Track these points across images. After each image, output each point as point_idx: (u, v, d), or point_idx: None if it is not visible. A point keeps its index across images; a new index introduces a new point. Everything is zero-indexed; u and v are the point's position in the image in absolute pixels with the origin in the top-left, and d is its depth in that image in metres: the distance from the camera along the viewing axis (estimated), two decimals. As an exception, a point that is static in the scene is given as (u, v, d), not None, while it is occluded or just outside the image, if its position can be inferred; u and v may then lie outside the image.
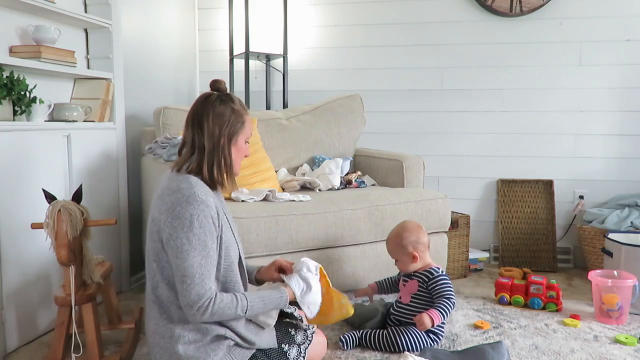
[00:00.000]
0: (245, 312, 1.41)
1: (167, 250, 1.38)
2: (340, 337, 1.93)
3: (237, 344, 1.46)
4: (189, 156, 1.45)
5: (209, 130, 1.43)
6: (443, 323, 1.96)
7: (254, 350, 1.50)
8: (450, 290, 1.94)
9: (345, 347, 1.92)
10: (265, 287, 1.72)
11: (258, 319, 1.51)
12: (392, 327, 1.96)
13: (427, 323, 1.83)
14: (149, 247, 1.45)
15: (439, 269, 2.00)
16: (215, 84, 1.52)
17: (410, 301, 2.01)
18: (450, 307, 1.90)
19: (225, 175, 1.48)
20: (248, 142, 1.55)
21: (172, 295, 1.42)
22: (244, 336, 1.47)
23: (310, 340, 1.61)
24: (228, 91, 1.54)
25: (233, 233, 1.51)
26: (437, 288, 1.95)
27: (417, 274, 2.03)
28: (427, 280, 1.98)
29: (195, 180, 1.41)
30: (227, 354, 1.44)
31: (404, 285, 2.07)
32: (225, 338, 1.44)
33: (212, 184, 1.47)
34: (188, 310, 1.35)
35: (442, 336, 1.98)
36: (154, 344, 1.46)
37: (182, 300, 1.36)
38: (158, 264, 1.43)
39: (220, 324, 1.43)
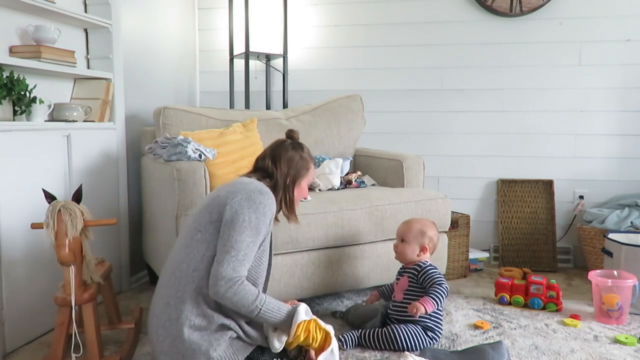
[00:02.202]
0: (260, 310, 1.45)
1: (223, 222, 1.49)
2: (339, 337, 1.93)
3: (239, 337, 1.50)
4: (262, 178, 1.69)
5: (281, 169, 1.70)
6: (440, 318, 1.98)
7: (254, 347, 1.53)
8: (441, 277, 1.97)
9: (345, 347, 1.92)
10: None
11: (270, 335, 1.54)
12: (390, 325, 1.97)
13: (421, 309, 1.86)
14: (195, 220, 1.54)
15: (427, 262, 2.03)
16: (290, 133, 1.81)
17: (403, 298, 2.02)
18: (443, 292, 1.92)
19: (286, 209, 1.74)
20: (308, 185, 1.83)
21: (202, 270, 1.47)
22: (247, 330, 1.50)
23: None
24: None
25: (271, 244, 1.68)
26: (427, 277, 1.98)
27: (407, 269, 2.06)
28: (417, 273, 2.01)
29: (266, 186, 1.63)
30: (229, 345, 1.47)
31: (397, 283, 2.10)
32: (229, 329, 1.48)
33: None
34: (217, 280, 1.42)
35: (440, 334, 1.98)
36: (159, 326, 1.48)
37: (217, 268, 1.43)
38: (202, 235, 1.51)
39: (227, 314, 1.47)
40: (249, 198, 1.52)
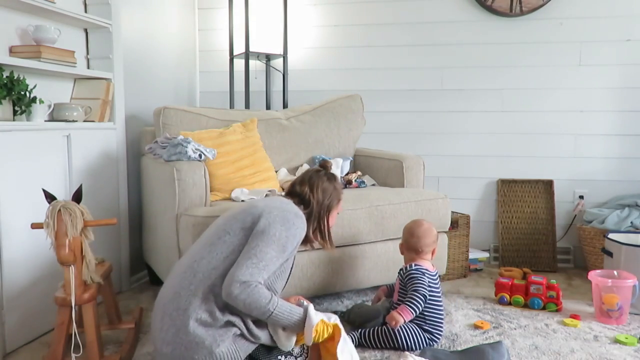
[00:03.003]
0: (272, 313, 1.47)
1: (253, 233, 1.54)
2: None
3: (242, 335, 1.50)
4: (298, 204, 1.76)
5: (317, 198, 1.78)
6: (440, 318, 1.98)
7: (256, 345, 1.54)
8: (419, 283, 1.95)
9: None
10: None
11: (280, 336, 1.54)
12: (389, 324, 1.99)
13: (398, 319, 1.89)
14: (226, 223, 1.59)
15: (415, 265, 2.02)
16: (324, 163, 1.91)
17: (398, 298, 2.04)
18: (419, 299, 1.92)
19: (324, 237, 1.83)
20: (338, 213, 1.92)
21: (221, 269, 1.50)
22: (251, 329, 1.51)
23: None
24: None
25: (292, 265, 1.71)
26: (407, 283, 1.99)
27: (400, 270, 2.07)
28: (402, 276, 2.03)
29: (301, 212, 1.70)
30: (232, 342, 1.48)
31: (395, 284, 2.12)
32: (234, 326, 1.48)
33: (308, 241, 1.82)
34: (231, 281, 1.44)
35: (439, 334, 1.98)
36: (165, 314, 1.49)
37: (234, 270, 1.46)
38: (230, 237, 1.55)
39: (234, 312, 1.48)
40: (285, 217, 1.58)
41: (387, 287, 2.26)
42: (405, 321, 1.90)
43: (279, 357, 1.58)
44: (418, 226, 2.10)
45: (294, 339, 1.55)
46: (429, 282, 1.98)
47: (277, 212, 1.59)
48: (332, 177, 1.86)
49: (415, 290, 1.94)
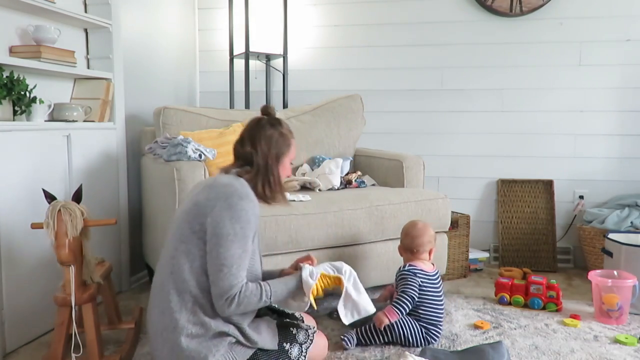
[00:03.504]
0: (270, 297, 1.46)
1: (208, 237, 1.44)
2: (342, 337, 1.95)
3: (238, 342, 1.48)
4: (240, 166, 1.59)
5: (261, 150, 1.58)
6: (440, 317, 2.00)
7: (254, 349, 1.51)
8: (407, 284, 1.98)
9: (348, 346, 1.94)
10: None
11: (292, 305, 1.56)
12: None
13: (383, 320, 1.92)
14: (178, 229, 1.49)
15: (409, 265, 2.04)
16: (266, 109, 1.68)
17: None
18: (405, 300, 1.95)
19: (274, 190, 1.62)
20: (292, 163, 1.72)
21: (192, 280, 1.44)
22: (247, 334, 1.48)
23: (312, 340, 1.62)
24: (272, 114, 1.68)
25: (258, 241, 1.62)
26: (399, 284, 2.02)
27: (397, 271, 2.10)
28: (396, 276, 2.07)
29: (246, 183, 1.54)
30: (228, 350, 1.45)
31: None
32: (228, 335, 1.46)
33: (262, 199, 1.60)
34: (217, 300, 1.41)
35: (435, 333, 1.99)
36: (156, 334, 1.47)
37: (215, 289, 1.41)
38: (186, 246, 1.46)
39: (225, 320, 1.46)
40: (229, 207, 1.44)
41: (393, 286, 2.26)
42: (390, 321, 1.93)
43: (284, 344, 1.57)
44: (412, 226, 2.12)
45: (307, 299, 1.57)
46: (422, 282, 1.99)
47: (220, 204, 1.44)
48: (275, 123, 1.64)
49: (403, 292, 1.97)
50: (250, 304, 1.44)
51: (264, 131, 1.60)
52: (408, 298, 1.95)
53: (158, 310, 1.47)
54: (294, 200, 2.27)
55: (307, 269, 1.59)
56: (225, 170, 1.61)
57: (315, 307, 1.60)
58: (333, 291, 1.70)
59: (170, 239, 1.51)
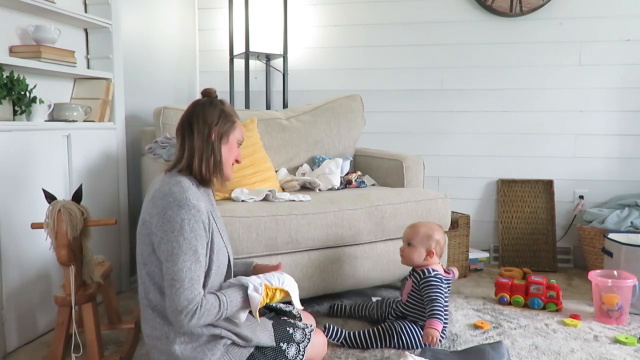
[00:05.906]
0: (226, 312, 1.39)
1: (158, 254, 1.38)
2: (326, 325, 1.98)
3: (234, 343, 1.47)
4: (180, 157, 1.47)
5: (199, 129, 1.46)
6: (444, 324, 1.96)
7: (252, 349, 1.50)
8: (438, 293, 1.93)
9: (328, 337, 1.93)
10: None
11: (241, 317, 1.47)
12: (387, 322, 2.00)
13: (435, 335, 1.83)
14: (139, 250, 1.44)
15: (433, 270, 1.98)
16: (206, 91, 1.54)
17: (407, 300, 2.04)
18: (442, 308, 1.89)
19: (215, 172, 1.49)
20: (240, 145, 1.57)
21: (163, 300, 1.40)
22: (240, 334, 1.46)
23: (309, 339, 1.61)
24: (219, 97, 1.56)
25: (222, 237, 1.50)
26: (425, 290, 1.95)
27: (414, 273, 2.05)
28: (419, 279, 1.99)
29: (187, 184, 1.42)
30: (224, 353, 1.44)
31: (405, 285, 2.10)
32: (221, 337, 1.44)
33: (202, 181, 1.49)
34: (176, 315, 1.33)
35: (441, 337, 1.97)
36: (151, 346, 1.46)
37: (170, 305, 1.34)
38: (148, 268, 1.41)
39: (215, 324, 1.43)
40: (167, 220, 1.34)
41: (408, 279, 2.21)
42: (439, 332, 1.85)
43: (281, 344, 1.55)
44: (411, 225, 2.11)
45: (246, 312, 1.49)
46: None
47: (157, 220, 1.36)
48: (216, 102, 1.51)
49: (436, 300, 1.90)
50: (211, 315, 1.37)
51: (203, 110, 1.48)
52: (442, 304, 1.90)
53: (149, 325, 1.45)
54: (294, 200, 2.27)
55: (251, 285, 1.48)
56: (169, 168, 1.49)
57: (259, 321, 1.52)
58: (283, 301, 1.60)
59: (137, 259, 1.47)
